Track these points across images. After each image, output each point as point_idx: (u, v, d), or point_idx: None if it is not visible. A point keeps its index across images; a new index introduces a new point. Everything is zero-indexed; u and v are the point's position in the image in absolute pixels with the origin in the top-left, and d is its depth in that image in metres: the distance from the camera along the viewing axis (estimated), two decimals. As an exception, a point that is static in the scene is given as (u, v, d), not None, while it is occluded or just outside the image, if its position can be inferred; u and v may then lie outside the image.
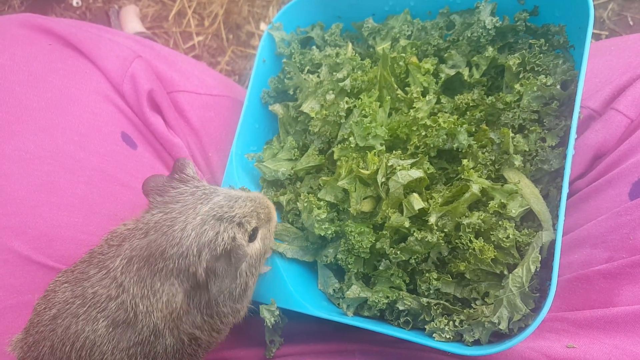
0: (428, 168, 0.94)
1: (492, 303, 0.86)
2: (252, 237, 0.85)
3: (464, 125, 0.94)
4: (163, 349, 0.80)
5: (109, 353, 0.77)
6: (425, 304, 0.91)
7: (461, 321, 0.87)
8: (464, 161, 0.92)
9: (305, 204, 0.99)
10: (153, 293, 0.76)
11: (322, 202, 1.00)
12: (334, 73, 1.10)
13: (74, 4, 2.27)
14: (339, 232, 0.99)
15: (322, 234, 0.98)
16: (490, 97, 0.98)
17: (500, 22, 1.02)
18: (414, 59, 1.06)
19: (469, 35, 1.04)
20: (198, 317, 0.82)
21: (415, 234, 0.90)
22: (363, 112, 1.01)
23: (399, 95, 1.04)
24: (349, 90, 1.07)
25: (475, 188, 0.88)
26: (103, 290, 0.78)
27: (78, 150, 1.00)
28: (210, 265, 0.76)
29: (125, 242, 0.79)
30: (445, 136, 0.94)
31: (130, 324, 0.77)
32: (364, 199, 0.97)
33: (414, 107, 1.01)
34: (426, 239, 0.89)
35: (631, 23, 2.00)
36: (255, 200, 0.85)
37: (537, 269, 0.82)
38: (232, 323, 0.90)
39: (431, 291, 0.92)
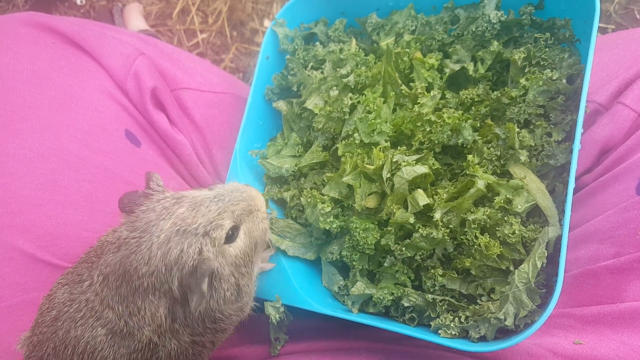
0: (433, 164, 0.94)
1: (498, 299, 0.85)
2: (231, 237, 0.80)
3: (469, 121, 0.93)
4: (166, 354, 0.80)
5: (110, 358, 0.77)
6: (431, 301, 0.91)
7: (467, 317, 0.87)
8: (469, 157, 0.91)
9: (309, 199, 0.99)
10: (137, 310, 0.75)
11: (326, 197, 1.00)
12: (338, 69, 1.09)
13: (78, 2, 2.27)
14: (343, 228, 0.99)
15: (327, 228, 0.97)
16: (495, 92, 0.97)
17: (505, 16, 1.01)
18: (418, 54, 1.05)
19: (473, 29, 1.03)
20: (199, 327, 0.81)
21: (420, 230, 0.90)
22: (367, 108, 1.01)
23: (403, 91, 1.04)
24: (352, 86, 1.06)
25: (480, 184, 0.88)
26: (95, 297, 0.77)
27: (82, 148, 1.00)
28: (184, 282, 0.74)
29: (102, 255, 0.78)
30: (450, 132, 0.94)
31: (129, 333, 0.77)
32: (368, 195, 0.97)
33: (419, 103, 1.00)
34: (431, 235, 0.88)
35: (638, 17, 1.98)
36: (224, 197, 0.81)
37: (544, 265, 0.82)
38: (237, 321, 0.90)
39: (436, 287, 0.92)
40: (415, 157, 0.94)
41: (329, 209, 0.97)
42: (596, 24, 0.90)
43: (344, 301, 1.01)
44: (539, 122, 0.93)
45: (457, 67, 1.05)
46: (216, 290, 0.79)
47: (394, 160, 0.93)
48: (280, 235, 1.04)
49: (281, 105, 1.17)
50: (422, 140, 0.97)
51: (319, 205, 0.97)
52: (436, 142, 0.95)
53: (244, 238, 0.83)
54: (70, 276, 0.83)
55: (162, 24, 2.28)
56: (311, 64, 1.16)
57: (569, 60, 0.94)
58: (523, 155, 0.90)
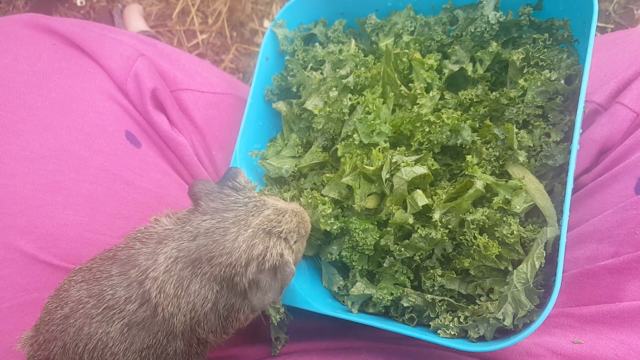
0: (432, 164, 0.94)
1: (497, 299, 0.85)
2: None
3: (468, 121, 0.94)
4: (173, 350, 0.81)
5: (120, 354, 0.78)
6: (430, 301, 0.91)
7: (466, 317, 0.87)
8: (468, 157, 0.91)
9: (310, 200, 0.99)
10: (187, 295, 0.76)
11: (326, 198, 1.00)
12: (337, 70, 1.09)
13: (78, 3, 2.28)
14: (343, 228, 0.99)
15: (328, 229, 0.97)
16: (494, 93, 0.98)
17: (504, 17, 1.02)
18: (417, 55, 1.05)
19: (472, 30, 1.03)
20: (216, 323, 0.82)
21: (419, 230, 0.90)
22: (366, 108, 1.01)
23: (402, 92, 1.04)
24: (352, 87, 1.06)
25: (479, 184, 0.88)
26: (123, 292, 0.77)
27: (82, 150, 1.01)
28: (255, 278, 0.77)
29: (170, 242, 0.78)
30: (449, 132, 0.94)
31: (145, 326, 0.77)
32: (368, 195, 0.97)
33: (418, 104, 1.01)
34: (430, 236, 0.89)
35: (637, 16, 1.98)
36: (298, 214, 0.86)
37: (542, 265, 0.82)
38: (238, 327, 0.90)
39: (435, 288, 0.92)
40: (414, 157, 0.95)
41: (330, 210, 0.97)
42: (594, 24, 0.90)
43: (343, 301, 1.01)
44: (537, 123, 0.93)
45: (456, 67, 1.05)
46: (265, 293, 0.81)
47: (393, 160, 0.93)
48: None
49: (281, 106, 1.18)
50: (421, 140, 0.97)
51: (320, 206, 0.97)
52: (435, 142, 0.95)
53: (293, 255, 0.86)
54: (87, 273, 0.82)
55: (162, 25, 2.28)
56: (311, 64, 1.16)
57: (568, 61, 0.94)
58: (522, 156, 0.90)
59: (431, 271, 0.93)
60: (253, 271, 0.76)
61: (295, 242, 0.84)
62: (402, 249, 0.92)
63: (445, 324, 0.87)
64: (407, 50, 1.06)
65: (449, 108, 1.00)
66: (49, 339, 0.80)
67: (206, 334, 0.82)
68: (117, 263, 0.81)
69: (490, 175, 0.92)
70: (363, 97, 1.03)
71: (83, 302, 0.79)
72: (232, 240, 0.76)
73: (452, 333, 0.86)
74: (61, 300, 0.81)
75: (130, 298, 0.77)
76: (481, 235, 0.87)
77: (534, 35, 1.00)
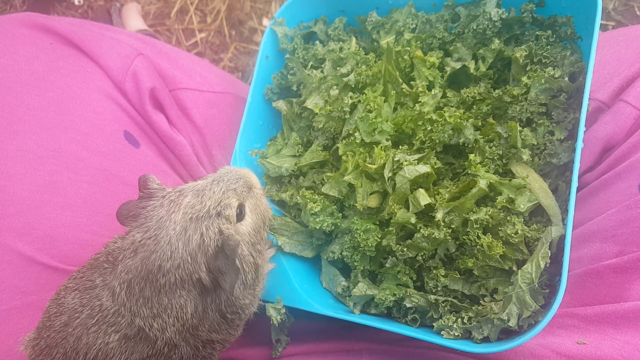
0: (435, 163, 0.93)
1: (501, 300, 0.85)
2: (240, 216, 0.81)
3: (471, 120, 0.93)
4: (179, 357, 0.80)
5: None
6: (433, 301, 0.90)
7: (470, 318, 0.86)
8: (471, 156, 0.91)
9: (300, 200, 0.98)
10: (163, 309, 0.75)
11: (317, 197, 0.99)
12: (338, 68, 1.08)
13: (76, 2, 2.26)
14: (338, 225, 0.98)
15: (317, 227, 0.97)
16: (497, 91, 0.97)
17: (506, 14, 1.01)
18: (419, 53, 1.04)
19: (474, 27, 1.02)
20: (216, 320, 0.81)
21: (422, 230, 0.89)
22: (368, 107, 1.00)
23: (404, 90, 1.03)
24: (353, 85, 1.05)
25: (482, 183, 0.87)
26: (109, 303, 0.77)
27: (80, 150, 1.00)
28: (211, 266, 0.74)
29: (119, 264, 0.77)
30: (451, 131, 0.93)
31: (143, 337, 0.77)
32: (370, 194, 0.96)
33: (420, 102, 1.00)
34: (433, 236, 0.88)
35: (638, 13, 1.98)
36: (223, 178, 0.82)
37: (547, 265, 0.81)
38: (250, 314, 0.89)
39: (439, 288, 0.91)
40: (416, 156, 0.94)
41: (318, 209, 0.96)
42: (598, 21, 0.89)
43: (345, 302, 1.00)
44: (541, 121, 0.92)
45: (458, 65, 1.04)
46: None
47: (396, 159, 0.93)
48: (277, 233, 1.04)
49: (281, 104, 1.17)
50: (424, 139, 0.96)
51: (309, 205, 0.97)
52: (437, 141, 0.94)
53: (252, 215, 0.84)
54: (80, 281, 0.81)
55: (161, 24, 2.27)
56: (311, 63, 1.15)
57: (571, 58, 0.93)
58: (525, 154, 0.89)
59: (434, 271, 0.92)
60: (204, 261, 0.74)
61: (237, 204, 0.80)
62: (405, 249, 0.91)
63: (449, 324, 0.86)
64: (408, 48, 1.05)
65: (451, 106, 0.99)
66: (50, 345, 0.79)
67: (208, 333, 0.81)
68: (98, 272, 0.80)
69: (494, 174, 0.91)
70: (364, 95, 1.02)
71: (78, 311, 0.78)
72: (167, 244, 0.74)
73: (456, 334, 0.85)
74: (60, 307, 0.80)
75: (118, 311, 0.76)
76: (485, 235, 0.87)
77: (536, 33, 0.99)
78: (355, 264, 0.97)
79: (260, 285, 0.88)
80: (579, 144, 0.83)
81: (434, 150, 0.95)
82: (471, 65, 1.03)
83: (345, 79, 1.05)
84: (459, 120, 0.92)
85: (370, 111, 0.99)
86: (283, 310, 0.96)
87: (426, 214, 0.92)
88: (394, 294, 0.93)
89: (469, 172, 0.90)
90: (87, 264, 0.84)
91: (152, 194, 0.81)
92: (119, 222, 0.81)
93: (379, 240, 0.93)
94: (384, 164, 0.93)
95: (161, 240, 0.74)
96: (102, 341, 0.76)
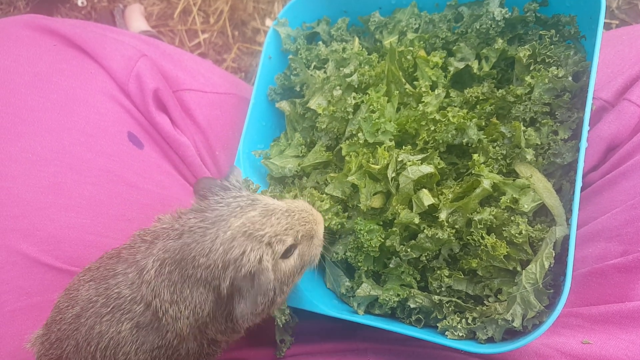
0: (438, 163, 0.93)
1: (506, 300, 0.84)
2: (286, 254, 0.79)
3: (474, 120, 0.92)
4: (185, 351, 0.80)
5: (132, 353, 0.77)
6: (437, 302, 0.90)
7: (474, 319, 0.86)
8: (475, 156, 0.90)
9: (308, 199, 0.98)
10: (182, 299, 0.75)
11: (325, 196, 0.99)
12: (341, 68, 1.08)
13: (79, 4, 2.27)
14: (344, 225, 0.98)
15: (326, 225, 0.96)
16: (500, 90, 0.96)
17: (510, 14, 1.00)
18: (422, 53, 1.04)
19: (477, 27, 1.02)
20: (223, 324, 0.81)
21: (425, 230, 0.89)
22: (371, 107, 1.00)
23: (407, 90, 1.03)
24: (356, 86, 1.05)
25: (486, 183, 0.87)
26: (127, 291, 0.77)
27: (84, 151, 1.00)
28: (235, 283, 0.74)
29: (159, 241, 0.77)
30: (454, 131, 0.93)
31: (154, 327, 0.77)
32: (373, 194, 0.96)
33: (423, 102, 0.99)
34: (437, 236, 0.88)
35: (642, 12, 1.97)
36: (294, 214, 0.80)
37: (551, 265, 0.81)
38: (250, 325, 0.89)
39: (443, 288, 0.91)
40: (420, 156, 0.93)
41: (327, 206, 0.96)
42: (602, 20, 0.89)
43: (349, 302, 1.00)
44: (544, 120, 0.92)
45: (461, 65, 1.04)
46: None
47: (399, 159, 0.92)
48: None
49: (284, 105, 1.17)
50: (427, 139, 0.96)
51: (317, 203, 0.97)
52: (441, 141, 0.94)
53: (297, 259, 0.82)
54: (96, 272, 0.81)
55: (164, 25, 2.27)
56: (314, 63, 1.15)
57: (575, 57, 0.93)
58: (529, 154, 0.89)
59: (438, 272, 0.92)
60: (231, 275, 0.73)
61: (290, 245, 0.79)
62: (408, 250, 0.91)
63: (453, 325, 0.86)
64: (411, 48, 1.05)
65: (455, 106, 0.99)
66: (61, 337, 0.79)
67: (215, 334, 0.81)
68: (120, 261, 0.80)
69: (498, 174, 0.90)
70: (367, 95, 1.02)
71: (92, 301, 0.78)
72: (211, 242, 0.74)
73: (460, 334, 0.85)
74: (72, 300, 0.81)
75: (135, 299, 0.76)
76: (489, 235, 0.86)
77: (540, 32, 0.99)
78: (359, 264, 0.97)
79: (266, 314, 0.86)
80: (583, 144, 0.83)
81: (438, 151, 0.95)
82: (474, 65, 1.02)
83: (348, 80, 1.05)
84: (462, 120, 0.92)
85: (373, 111, 0.99)
86: (287, 311, 0.96)
87: (430, 214, 0.92)
88: (398, 295, 0.93)
89: (473, 172, 0.90)
90: (105, 256, 0.84)
91: (228, 188, 0.81)
92: (194, 192, 0.82)
93: (382, 240, 0.93)
94: (388, 165, 0.92)
95: (208, 235, 0.74)
96: (115, 329, 0.76)
